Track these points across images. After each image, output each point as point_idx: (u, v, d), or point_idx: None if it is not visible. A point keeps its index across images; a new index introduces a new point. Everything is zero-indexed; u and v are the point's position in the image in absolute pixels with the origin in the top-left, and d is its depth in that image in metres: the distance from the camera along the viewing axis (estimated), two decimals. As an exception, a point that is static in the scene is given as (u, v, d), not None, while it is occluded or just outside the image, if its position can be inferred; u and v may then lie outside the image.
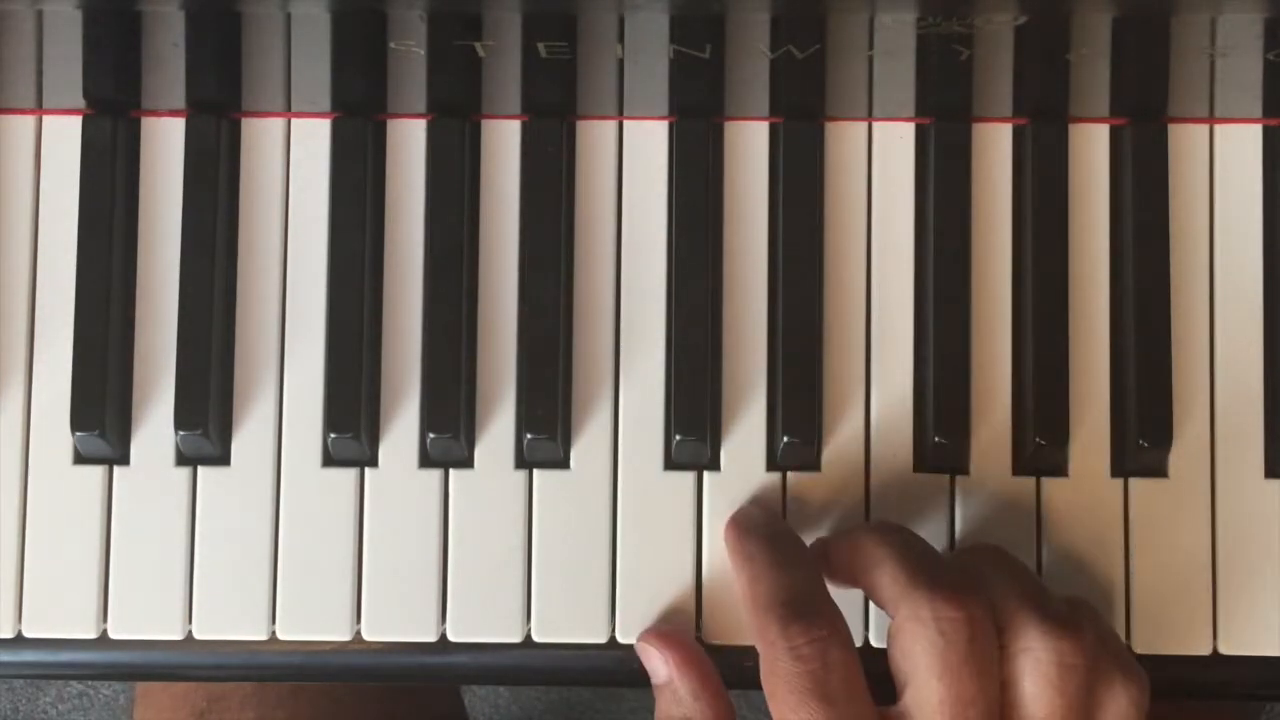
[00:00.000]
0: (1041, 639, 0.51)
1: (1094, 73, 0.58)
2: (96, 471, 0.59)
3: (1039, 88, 0.59)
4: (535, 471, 0.59)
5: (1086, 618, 0.53)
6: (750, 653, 0.55)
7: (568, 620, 0.59)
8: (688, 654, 0.56)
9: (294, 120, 0.60)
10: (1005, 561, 0.55)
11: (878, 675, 0.52)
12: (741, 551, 0.56)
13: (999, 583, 0.53)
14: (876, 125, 0.60)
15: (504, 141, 0.60)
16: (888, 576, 0.52)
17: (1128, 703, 0.52)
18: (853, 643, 0.52)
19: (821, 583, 0.54)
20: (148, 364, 0.59)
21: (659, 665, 0.56)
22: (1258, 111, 0.59)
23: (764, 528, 0.56)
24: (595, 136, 0.60)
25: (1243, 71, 0.57)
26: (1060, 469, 0.59)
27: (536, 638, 0.59)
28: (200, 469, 0.59)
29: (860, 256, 0.60)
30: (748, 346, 0.59)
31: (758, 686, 0.53)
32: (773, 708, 0.51)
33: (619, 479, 0.59)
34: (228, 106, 0.60)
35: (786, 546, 0.55)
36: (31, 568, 0.59)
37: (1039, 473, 0.59)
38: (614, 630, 0.59)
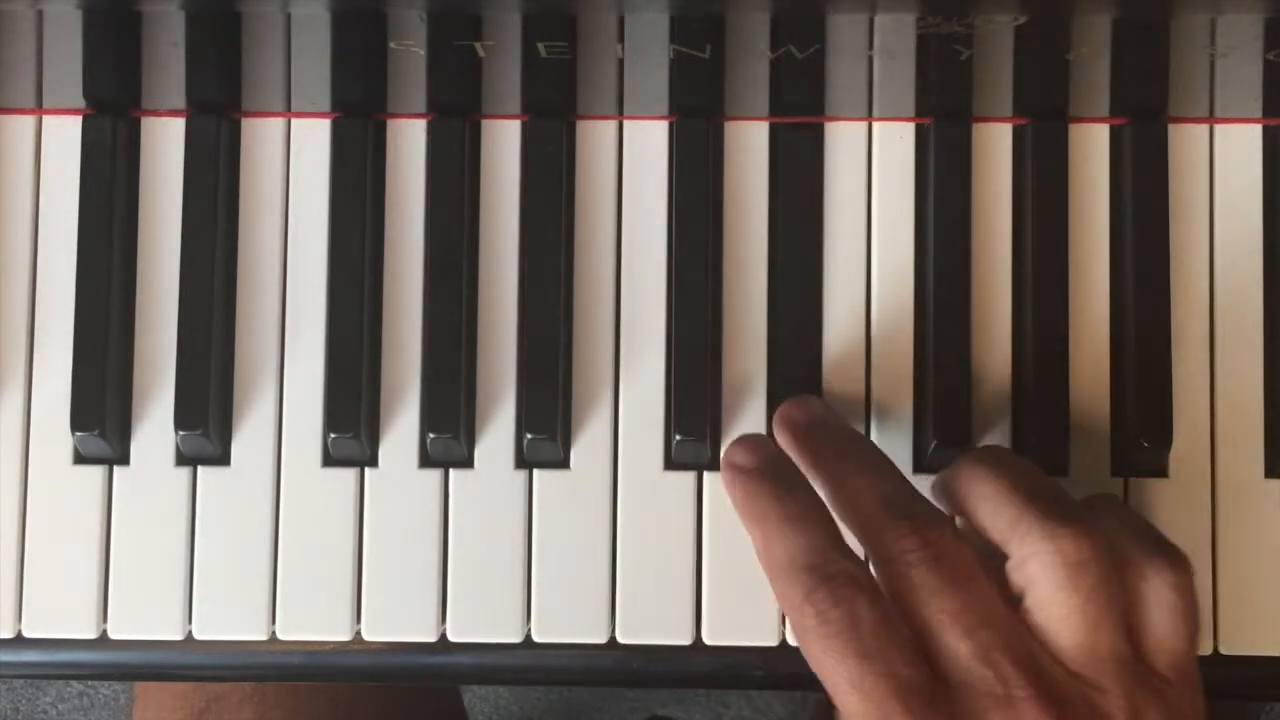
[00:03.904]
0: (1162, 571, 0.51)
1: (1094, 73, 0.58)
2: (96, 471, 0.59)
3: (1039, 88, 0.59)
4: (535, 471, 0.59)
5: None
6: (755, 655, 0.55)
7: (568, 620, 0.59)
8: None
9: (294, 120, 0.60)
10: (1119, 507, 0.54)
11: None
12: (751, 512, 0.54)
13: (1113, 524, 0.52)
14: (876, 125, 0.60)
15: (504, 141, 0.60)
16: (998, 514, 0.52)
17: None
18: (876, 587, 0.51)
19: (837, 534, 0.52)
20: (148, 364, 0.59)
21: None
22: (1258, 111, 0.59)
23: (770, 475, 0.54)
24: (595, 136, 0.60)
25: (1243, 71, 0.57)
26: (1060, 469, 0.59)
27: (536, 638, 0.59)
28: (200, 469, 0.59)
29: (860, 256, 0.60)
30: (748, 346, 0.59)
31: (762, 687, 0.53)
32: (814, 668, 0.51)
33: (619, 479, 0.59)
34: (228, 106, 0.60)
35: (797, 500, 0.53)
36: (31, 568, 0.59)
37: (1039, 473, 0.59)
38: (614, 630, 0.59)
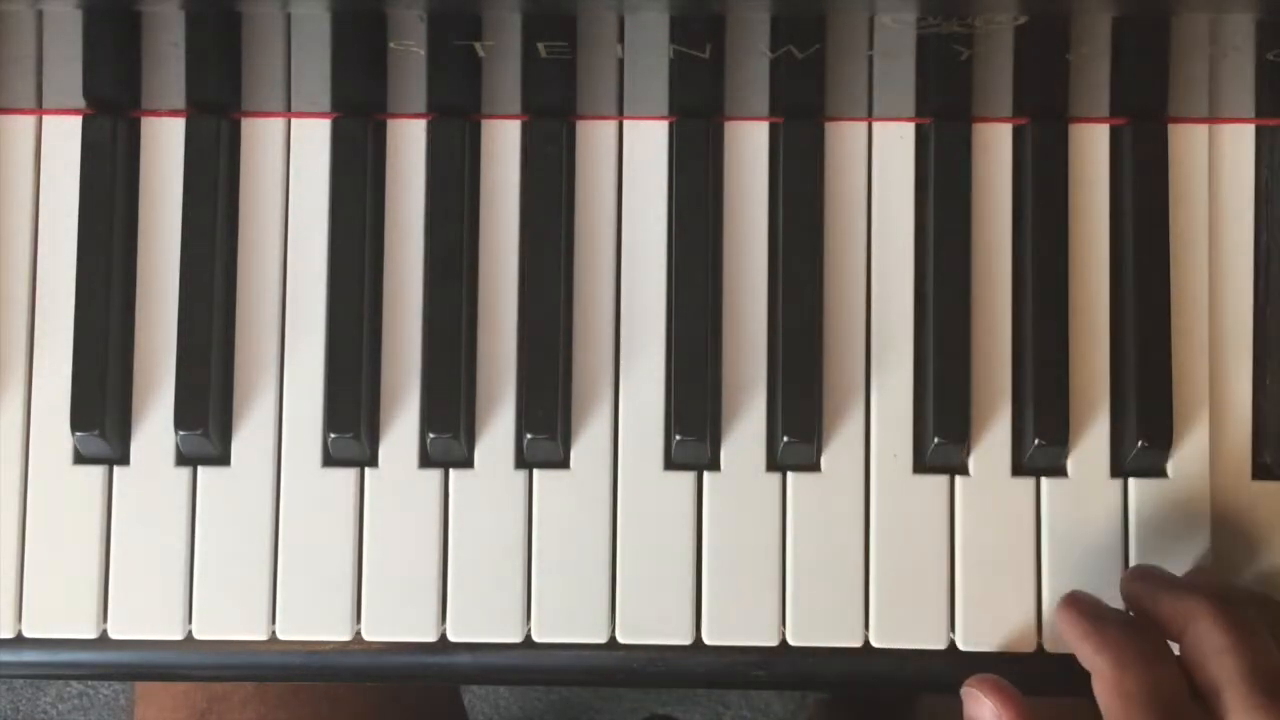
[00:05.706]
0: None
1: (1094, 73, 0.58)
2: (96, 471, 0.59)
3: (1039, 88, 0.59)
4: (535, 471, 0.59)
5: None
6: (755, 655, 0.54)
7: (568, 620, 0.59)
8: (1021, 707, 0.55)
9: (294, 120, 0.60)
10: None
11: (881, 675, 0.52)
12: (1098, 640, 0.54)
13: None
14: (876, 125, 0.60)
15: (504, 141, 0.60)
16: (1226, 677, 0.52)
17: None
18: None
19: (1185, 684, 0.53)
20: (148, 364, 0.59)
21: (987, 715, 0.56)
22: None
23: (1117, 615, 0.55)
24: (595, 136, 0.60)
25: (1242, 72, 0.57)
26: (1060, 469, 0.59)
27: (536, 638, 0.59)
28: (200, 469, 0.59)
29: (860, 256, 0.60)
30: (748, 346, 0.59)
31: (762, 687, 0.53)
32: None
33: (619, 479, 0.59)
34: (228, 106, 0.60)
35: (1152, 638, 0.54)
36: (31, 568, 0.59)
37: (1039, 473, 0.59)
38: (614, 630, 0.59)
